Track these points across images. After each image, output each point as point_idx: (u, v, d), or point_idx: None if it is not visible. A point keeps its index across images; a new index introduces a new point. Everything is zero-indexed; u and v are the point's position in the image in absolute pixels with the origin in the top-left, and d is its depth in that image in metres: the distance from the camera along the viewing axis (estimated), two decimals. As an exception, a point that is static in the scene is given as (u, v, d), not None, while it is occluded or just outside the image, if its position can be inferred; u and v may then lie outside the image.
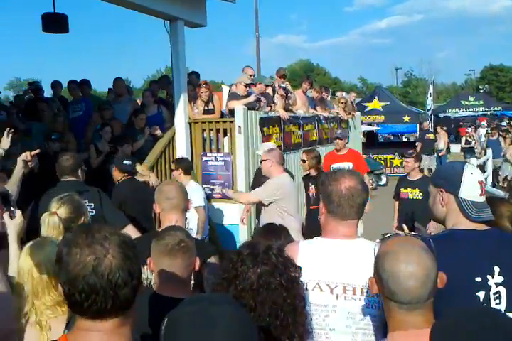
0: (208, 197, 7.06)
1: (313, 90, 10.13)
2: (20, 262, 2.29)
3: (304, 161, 6.35)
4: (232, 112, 7.21)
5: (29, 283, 2.23)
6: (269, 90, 8.44)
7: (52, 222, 2.77)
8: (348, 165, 6.87)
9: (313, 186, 6.29)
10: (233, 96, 7.42)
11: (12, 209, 2.80)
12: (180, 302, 1.39)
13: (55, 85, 8.77)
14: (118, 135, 6.84)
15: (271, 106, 8.10)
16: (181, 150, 7.31)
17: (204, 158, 7.24)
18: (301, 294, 1.81)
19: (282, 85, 8.41)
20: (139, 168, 6.63)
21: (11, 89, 57.96)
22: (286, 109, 8.38)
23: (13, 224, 2.76)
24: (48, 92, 9.30)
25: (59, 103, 8.26)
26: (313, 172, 6.35)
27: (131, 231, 4.09)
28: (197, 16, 7.32)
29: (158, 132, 7.07)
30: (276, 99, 8.35)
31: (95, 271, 1.32)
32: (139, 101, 8.41)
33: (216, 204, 7.15)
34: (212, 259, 2.69)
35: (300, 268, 1.82)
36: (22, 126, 7.09)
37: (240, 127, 6.79)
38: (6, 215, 2.77)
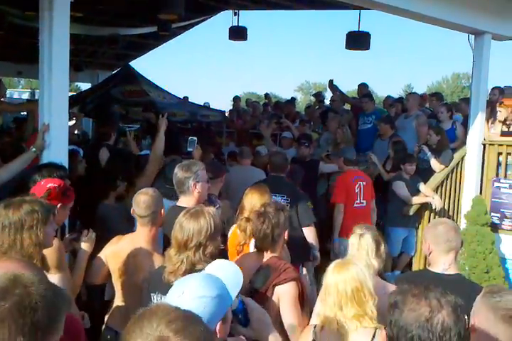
0: (496, 227, 6.45)
1: None
2: (328, 277, 2.51)
3: None
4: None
5: (334, 295, 2.43)
6: None
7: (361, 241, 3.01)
8: None
9: None
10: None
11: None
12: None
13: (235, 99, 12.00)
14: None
15: None
16: (471, 172, 6.82)
17: (496, 184, 6.60)
18: None
19: None
20: (422, 188, 6.44)
21: (299, 91, 63.13)
22: None
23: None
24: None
25: (351, 114, 8.55)
26: None
27: (310, 232, 4.59)
28: (507, 29, 6.67)
29: None
30: None
31: (428, 323, 1.37)
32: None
33: (504, 236, 6.45)
34: None
35: None
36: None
37: None
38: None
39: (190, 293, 1.65)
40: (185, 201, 3.60)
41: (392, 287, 2.98)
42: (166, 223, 3.58)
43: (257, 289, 2.72)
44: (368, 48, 6.67)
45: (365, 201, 5.76)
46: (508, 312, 1.98)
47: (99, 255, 3.28)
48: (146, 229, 3.22)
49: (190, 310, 1.30)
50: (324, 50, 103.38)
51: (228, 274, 1.88)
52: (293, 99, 11.71)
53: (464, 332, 1.40)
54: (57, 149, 3.83)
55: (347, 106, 9.69)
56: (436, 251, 2.93)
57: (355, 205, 5.69)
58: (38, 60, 3.86)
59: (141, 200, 3.18)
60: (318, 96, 10.85)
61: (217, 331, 1.67)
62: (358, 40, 6.60)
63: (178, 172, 3.61)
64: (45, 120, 3.82)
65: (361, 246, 3.01)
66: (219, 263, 2.07)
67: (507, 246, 6.42)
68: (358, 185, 5.72)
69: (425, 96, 9.52)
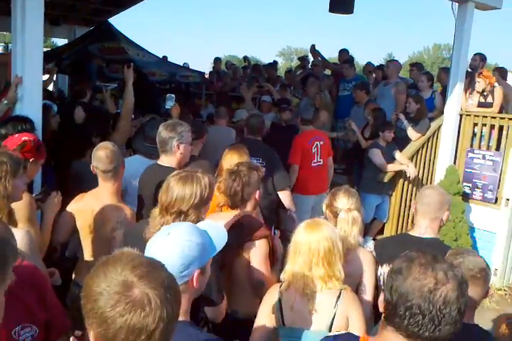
0: (467, 197, 6.59)
1: None
2: (299, 236, 2.46)
3: None
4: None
5: (305, 254, 2.41)
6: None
7: (351, 217, 2.90)
8: None
9: None
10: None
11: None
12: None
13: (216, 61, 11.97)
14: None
15: None
16: (446, 142, 6.89)
17: (470, 155, 6.69)
18: None
19: None
20: (397, 156, 6.49)
21: (281, 56, 62.46)
22: None
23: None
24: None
25: (332, 80, 8.48)
26: None
27: (286, 196, 4.75)
28: (492, -2, 6.63)
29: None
30: None
31: (431, 294, 1.36)
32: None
33: (474, 206, 6.60)
34: None
35: None
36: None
37: None
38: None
39: (176, 235, 1.69)
40: (167, 160, 3.52)
41: (365, 251, 3.02)
42: (143, 180, 3.56)
43: (229, 246, 2.73)
44: (351, 12, 6.55)
45: (322, 160, 5.86)
46: (469, 272, 2.18)
47: (63, 213, 3.22)
48: (110, 183, 3.15)
49: (153, 257, 1.31)
50: (308, 14, 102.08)
51: (213, 229, 1.91)
52: (275, 63, 11.55)
53: (464, 308, 1.39)
54: (30, 102, 3.74)
55: (328, 72, 9.62)
56: (417, 214, 3.02)
57: (312, 164, 5.80)
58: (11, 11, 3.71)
59: (104, 155, 3.08)
60: (303, 60, 10.70)
61: (194, 279, 1.69)
62: (341, 3, 6.48)
63: (162, 132, 3.50)
64: (18, 72, 3.70)
65: (353, 222, 2.91)
66: (205, 221, 2.11)
67: (476, 215, 6.57)
68: (315, 146, 5.79)
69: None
